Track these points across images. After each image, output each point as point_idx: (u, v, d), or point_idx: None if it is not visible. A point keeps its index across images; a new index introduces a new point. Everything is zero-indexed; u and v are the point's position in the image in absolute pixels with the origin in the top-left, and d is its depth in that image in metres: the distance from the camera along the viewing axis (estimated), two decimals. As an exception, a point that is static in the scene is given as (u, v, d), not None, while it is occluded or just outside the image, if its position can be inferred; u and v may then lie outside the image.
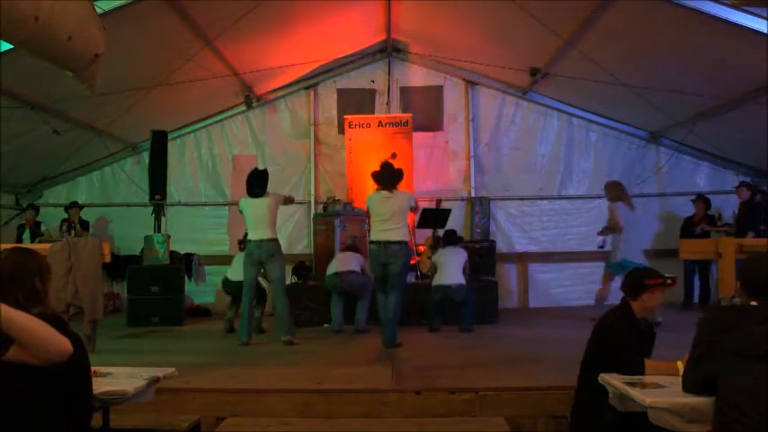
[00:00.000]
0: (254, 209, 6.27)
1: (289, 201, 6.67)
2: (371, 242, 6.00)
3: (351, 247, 7.35)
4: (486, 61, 8.66)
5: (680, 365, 2.74)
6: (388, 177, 5.96)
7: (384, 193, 5.89)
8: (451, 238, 7.23)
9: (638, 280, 3.20)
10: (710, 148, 8.99)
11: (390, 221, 5.81)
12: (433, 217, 7.80)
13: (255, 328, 6.73)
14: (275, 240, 6.24)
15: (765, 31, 5.31)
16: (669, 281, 3.18)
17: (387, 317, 5.90)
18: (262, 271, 6.39)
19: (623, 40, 6.70)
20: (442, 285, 6.85)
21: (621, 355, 2.99)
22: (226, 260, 7.60)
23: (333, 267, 7.04)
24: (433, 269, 7.06)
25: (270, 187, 6.48)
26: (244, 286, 6.33)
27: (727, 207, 8.54)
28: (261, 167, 6.75)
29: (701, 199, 8.61)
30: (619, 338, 3.08)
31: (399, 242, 5.80)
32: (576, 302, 9.00)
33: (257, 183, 6.34)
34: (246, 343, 6.14)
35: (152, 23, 6.15)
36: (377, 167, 6.14)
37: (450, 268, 6.88)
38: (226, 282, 7.37)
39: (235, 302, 7.17)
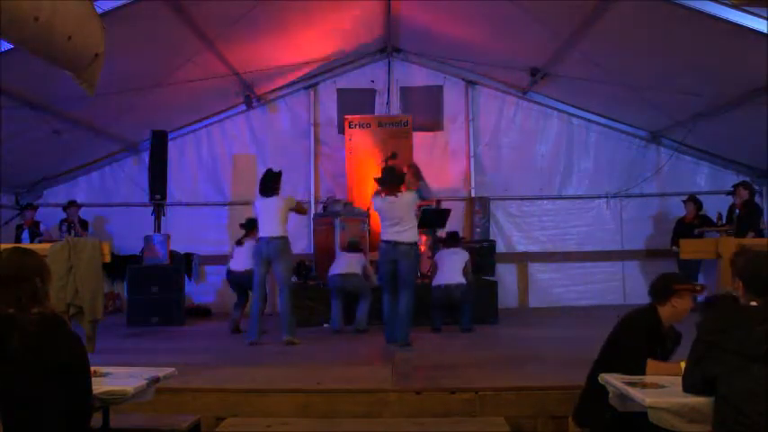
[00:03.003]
0: (265, 207, 6.32)
1: (300, 210, 6.67)
2: (382, 241, 6.08)
3: (353, 247, 7.36)
4: (486, 61, 8.66)
5: (683, 366, 2.73)
6: (391, 181, 6.06)
7: (389, 198, 5.97)
8: (453, 240, 7.27)
9: (667, 284, 3.15)
10: (710, 148, 8.99)
11: (400, 224, 5.94)
12: (434, 217, 7.80)
13: (233, 328, 6.89)
14: (284, 238, 6.22)
15: (765, 31, 5.30)
16: (699, 287, 3.16)
17: (395, 316, 6.02)
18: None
19: (623, 40, 6.70)
20: (441, 285, 6.88)
21: (629, 354, 2.98)
22: (226, 260, 7.60)
23: (336, 268, 7.06)
24: (434, 269, 7.09)
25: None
26: (253, 285, 6.36)
27: (723, 207, 8.55)
28: (265, 167, 6.85)
29: (692, 200, 8.63)
30: (634, 338, 3.06)
31: (409, 243, 5.95)
32: (577, 302, 9.02)
33: (269, 182, 6.39)
34: (255, 343, 6.15)
35: (152, 23, 6.15)
36: (378, 171, 6.39)
37: (450, 268, 6.92)
38: (229, 274, 7.34)
39: (241, 302, 7.21)
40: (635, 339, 3.07)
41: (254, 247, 6.50)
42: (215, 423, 3.96)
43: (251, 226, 7.20)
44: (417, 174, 7.65)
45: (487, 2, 6.88)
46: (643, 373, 2.92)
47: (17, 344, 2.13)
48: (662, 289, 3.16)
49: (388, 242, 5.96)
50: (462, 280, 6.87)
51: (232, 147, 9.59)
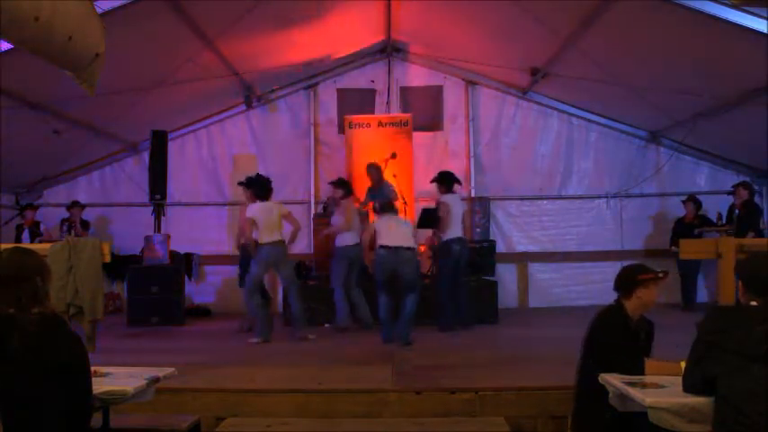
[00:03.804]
0: (266, 211, 6.44)
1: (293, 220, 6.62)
2: (380, 246, 6.16)
3: (343, 184, 7.39)
4: (486, 61, 8.65)
5: (683, 365, 2.73)
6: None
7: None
8: (449, 182, 7.10)
9: (630, 277, 3.13)
10: (710, 148, 8.99)
11: (400, 230, 6.22)
12: (433, 217, 7.77)
13: (249, 328, 6.91)
14: (285, 242, 6.47)
15: (765, 31, 5.30)
16: (661, 274, 3.14)
17: (392, 316, 6.15)
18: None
19: (623, 40, 6.70)
20: (454, 239, 6.88)
21: (611, 354, 2.97)
22: (226, 260, 7.60)
23: (346, 239, 7.03)
24: (446, 215, 6.92)
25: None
26: (253, 287, 6.52)
27: (723, 207, 8.54)
28: (260, 170, 6.95)
29: (692, 200, 8.63)
30: (609, 337, 3.06)
31: (410, 248, 6.14)
32: (576, 302, 9.00)
33: (268, 187, 6.63)
34: (260, 342, 6.29)
35: (152, 23, 6.14)
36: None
37: (459, 219, 6.97)
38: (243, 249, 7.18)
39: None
40: (606, 337, 3.06)
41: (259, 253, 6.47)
42: (215, 423, 3.97)
43: (263, 189, 6.72)
44: (378, 174, 7.84)
45: (487, 2, 6.88)
46: (640, 371, 2.90)
47: (17, 344, 2.13)
48: (625, 282, 3.14)
49: (388, 247, 6.06)
50: (462, 236, 6.97)
51: (232, 147, 9.58)
